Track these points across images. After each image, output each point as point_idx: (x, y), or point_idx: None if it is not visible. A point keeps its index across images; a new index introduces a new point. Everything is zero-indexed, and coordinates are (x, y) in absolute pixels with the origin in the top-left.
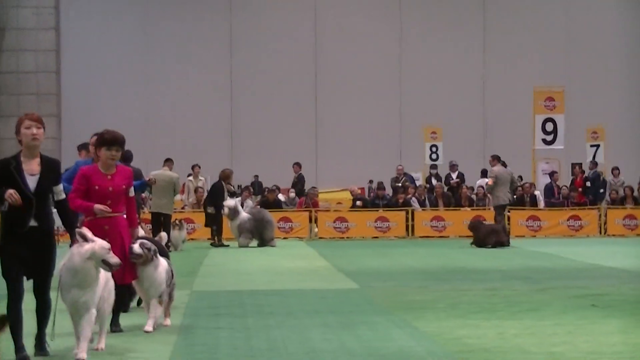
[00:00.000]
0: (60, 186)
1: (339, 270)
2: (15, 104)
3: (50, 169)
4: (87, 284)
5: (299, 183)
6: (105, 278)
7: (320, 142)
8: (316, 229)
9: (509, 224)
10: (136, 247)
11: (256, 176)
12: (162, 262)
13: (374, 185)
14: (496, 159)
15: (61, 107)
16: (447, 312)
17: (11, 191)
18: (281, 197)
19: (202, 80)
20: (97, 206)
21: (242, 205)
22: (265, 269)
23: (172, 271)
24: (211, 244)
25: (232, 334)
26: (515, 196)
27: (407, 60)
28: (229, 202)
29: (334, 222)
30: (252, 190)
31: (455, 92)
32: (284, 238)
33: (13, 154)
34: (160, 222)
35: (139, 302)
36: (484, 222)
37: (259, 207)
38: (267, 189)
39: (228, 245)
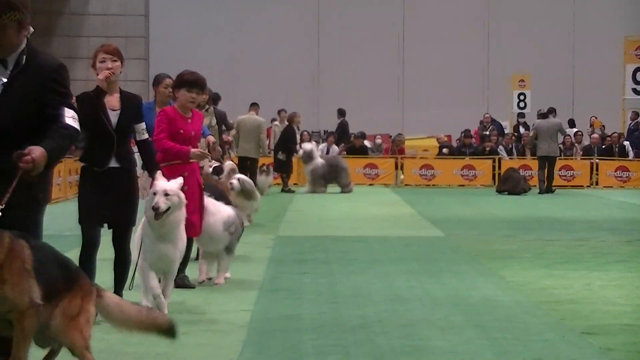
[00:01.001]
0: (143, 125)
1: (424, 218)
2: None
3: (131, 106)
4: (174, 236)
5: (339, 129)
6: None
7: (407, 89)
8: (402, 176)
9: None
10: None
11: (344, 118)
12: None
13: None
14: (542, 114)
15: (149, 50)
16: (533, 262)
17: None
18: (367, 143)
19: (289, 24)
20: (195, 150)
21: (327, 151)
22: (349, 216)
23: (235, 221)
24: (282, 190)
25: (316, 280)
26: (561, 147)
27: (495, 6)
28: (306, 144)
29: (420, 169)
30: (336, 136)
31: (544, 39)
32: (370, 185)
33: (93, 89)
34: (247, 166)
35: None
36: (514, 171)
37: (343, 153)
38: (353, 135)
39: (294, 192)
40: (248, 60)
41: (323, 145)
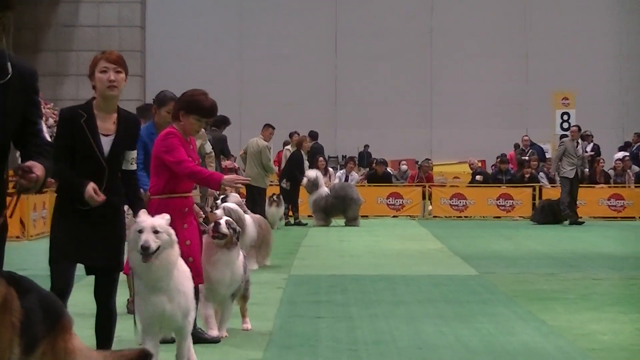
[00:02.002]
0: (135, 153)
1: (455, 254)
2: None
3: (129, 129)
4: (168, 284)
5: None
6: (185, 272)
7: (436, 108)
8: (430, 207)
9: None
10: (224, 224)
11: (366, 146)
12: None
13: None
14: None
15: (145, 66)
16: (578, 303)
17: (92, 189)
18: (390, 169)
19: (304, 40)
20: (229, 177)
21: (346, 179)
22: (371, 251)
23: (245, 264)
24: (286, 224)
25: (334, 325)
26: (583, 173)
27: (535, 17)
28: (310, 172)
29: (450, 198)
30: (357, 161)
31: (589, 52)
32: (394, 216)
33: (84, 103)
34: (254, 197)
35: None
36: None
37: (360, 180)
38: (375, 161)
39: (306, 224)
40: (258, 78)
41: (341, 172)
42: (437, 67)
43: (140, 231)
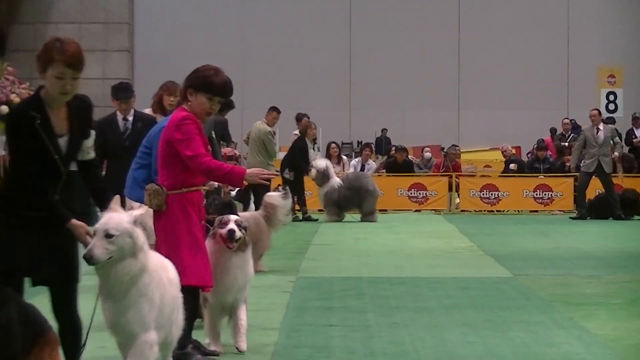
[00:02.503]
0: (91, 140)
1: (486, 253)
2: (77, 34)
3: (82, 118)
4: (129, 290)
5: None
6: (168, 280)
7: (464, 88)
8: (457, 199)
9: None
10: (236, 229)
11: (384, 130)
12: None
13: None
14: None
15: (134, 40)
16: (626, 309)
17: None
18: (412, 158)
19: (314, 9)
20: (252, 170)
21: (362, 168)
22: (390, 250)
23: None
24: (293, 219)
25: (348, 334)
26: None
27: None
28: (320, 162)
29: (481, 190)
30: (374, 148)
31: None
32: (416, 211)
33: (31, 98)
34: (257, 189)
35: None
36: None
37: (371, 170)
38: (394, 148)
39: (316, 220)
40: (262, 53)
41: (356, 161)
42: (466, 39)
43: (93, 234)
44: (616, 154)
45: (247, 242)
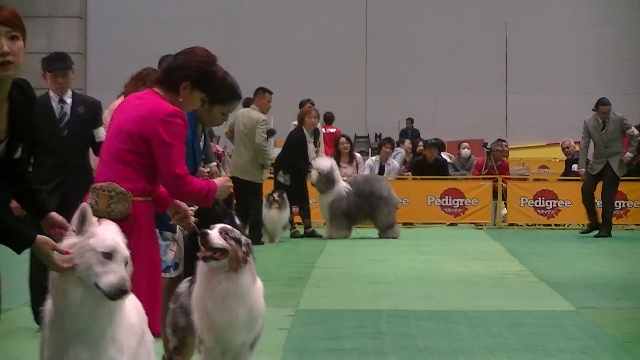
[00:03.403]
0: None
1: (541, 280)
2: (17, 2)
3: (22, 115)
4: (97, 333)
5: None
6: (139, 325)
7: (513, 68)
8: (504, 210)
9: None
10: (215, 235)
11: (410, 121)
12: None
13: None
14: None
15: (87, 4)
16: None
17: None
18: (446, 156)
19: None
20: (220, 180)
21: (381, 170)
22: (417, 276)
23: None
24: (292, 234)
25: None
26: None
27: None
28: (322, 162)
29: (535, 198)
30: (396, 144)
31: None
32: (451, 224)
33: None
34: (246, 196)
35: None
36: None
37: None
38: (423, 143)
39: (320, 236)
40: (254, 23)
41: (373, 160)
42: (516, 6)
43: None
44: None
45: (241, 259)
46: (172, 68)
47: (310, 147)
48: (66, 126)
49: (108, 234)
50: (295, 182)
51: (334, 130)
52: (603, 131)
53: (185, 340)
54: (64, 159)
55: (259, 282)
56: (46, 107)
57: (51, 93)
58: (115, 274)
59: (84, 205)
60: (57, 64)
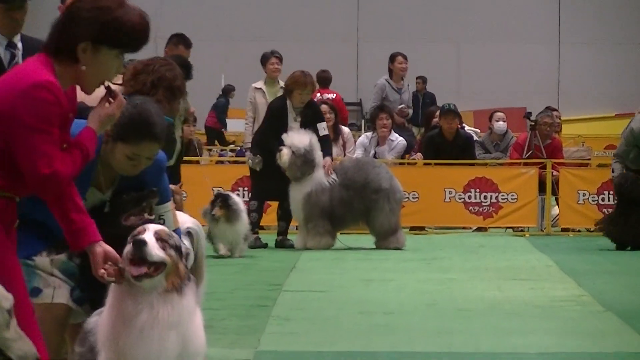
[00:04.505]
0: None
1: (608, 308)
2: None
3: None
4: None
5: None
6: None
7: (566, 13)
8: (555, 209)
9: None
10: (153, 244)
11: (421, 80)
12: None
13: None
14: None
15: None
16: None
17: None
18: (472, 131)
19: None
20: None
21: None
22: (429, 303)
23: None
24: (253, 245)
25: None
26: None
27: None
28: (298, 137)
29: (599, 192)
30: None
31: None
32: (479, 229)
33: None
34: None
35: None
36: None
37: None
38: (438, 111)
39: (291, 246)
40: None
41: (366, 137)
42: None
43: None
44: None
45: (182, 274)
46: (59, 29)
47: (294, 126)
48: None
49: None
50: (270, 167)
51: (334, 95)
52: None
53: None
54: None
55: (199, 313)
56: None
57: None
58: None
59: None
60: None
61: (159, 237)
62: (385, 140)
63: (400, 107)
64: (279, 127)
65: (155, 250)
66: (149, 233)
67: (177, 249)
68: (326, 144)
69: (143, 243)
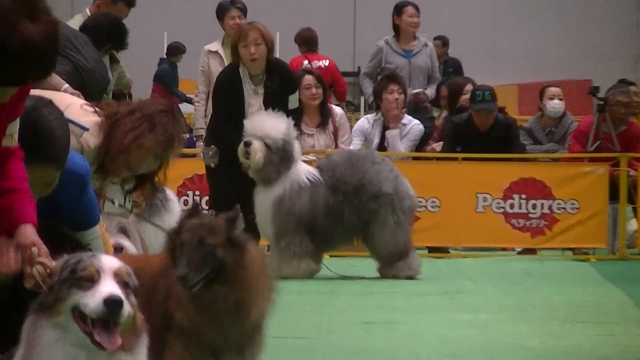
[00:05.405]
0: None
1: None
2: None
3: None
4: None
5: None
6: None
7: None
8: (633, 223)
9: None
10: (118, 291)
11: (441, 42)
12: None
13: None
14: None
15: None
16: None
17: None
18: (515, 116)
19: None
20: None
21: (382, 138)
22: (455, 353)
23: None
24: None
25: None
26: None
27: None
28: (270, 123)
29: None
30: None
31: None
32: (525, 251)
33: None
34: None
35: None
36: None
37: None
38: (469, 89)
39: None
40: None
41: (366, 120)
42: None
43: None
44: None
45: (138, 328)
46: None
47: (255, 101)
48: None
49: None
50: (230, 163)
51: (326, 62)
52: None
53: None
54: None
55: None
56: None
57: None
58: None
59: None
60: None
61: (121, 281)
62: (397, 122)
63: (415, 91)
64: (233, 106)
65: (126, 307)
66: (109, 279)
67: (135, 290)
68: (296, 119)
69: (120, 304)
